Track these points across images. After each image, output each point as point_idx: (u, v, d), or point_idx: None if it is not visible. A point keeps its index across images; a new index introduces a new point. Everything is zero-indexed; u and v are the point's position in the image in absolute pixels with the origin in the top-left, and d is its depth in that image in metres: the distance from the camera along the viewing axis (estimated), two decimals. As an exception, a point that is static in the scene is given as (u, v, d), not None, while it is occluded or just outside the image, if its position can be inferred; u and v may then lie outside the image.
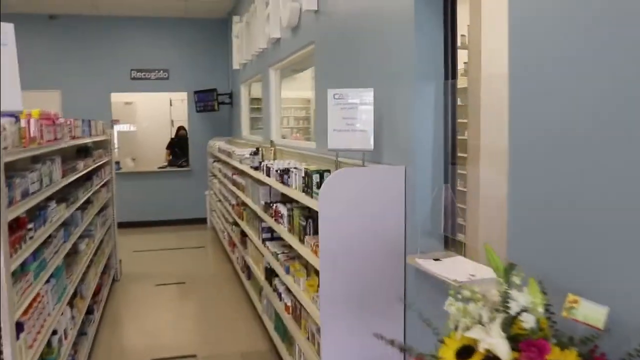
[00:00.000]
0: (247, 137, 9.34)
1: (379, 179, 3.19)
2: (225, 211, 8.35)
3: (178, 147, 11.77)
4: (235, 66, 9.56)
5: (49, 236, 3.64)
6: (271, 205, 4.62)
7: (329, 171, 3.38)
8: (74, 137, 4.70)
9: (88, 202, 5.47)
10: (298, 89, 14.02)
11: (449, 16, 3.08)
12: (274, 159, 5.20)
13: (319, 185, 3.28)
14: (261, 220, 5.13)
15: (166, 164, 11.63)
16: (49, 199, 3.72)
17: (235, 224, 7.17)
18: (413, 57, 3.06)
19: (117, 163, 10.99)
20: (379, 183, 3.18)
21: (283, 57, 6.17)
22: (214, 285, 7.05)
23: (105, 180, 6.72)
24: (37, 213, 3.45)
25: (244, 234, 6.42)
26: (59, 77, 10.48)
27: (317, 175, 3.31)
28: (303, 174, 3.54)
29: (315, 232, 3.37)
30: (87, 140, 5.40)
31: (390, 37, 3.33)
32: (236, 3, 9.69)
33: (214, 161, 10.11)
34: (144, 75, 11.05)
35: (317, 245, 3.16)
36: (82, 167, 5.05)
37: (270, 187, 5.06)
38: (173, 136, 12.57)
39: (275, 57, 6.54)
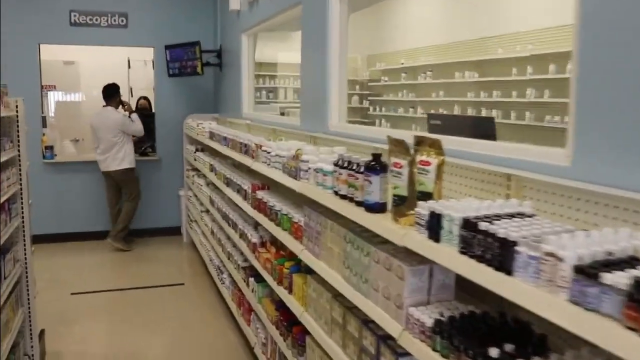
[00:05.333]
0: (250, 116, 5.99)
1: None
2: (224, 237, 5.04)
3: (139, 125, 8.27)
4: (234, 5, 6.16)
5: None
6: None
7: None
8: None
9: None
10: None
11: None
12: (436, 189, 1.91)
13: None
14: (395, 351, 1.89)
15: (122, 149, 8.11)
16: None
17: (254, 272, 3.89)
18: None
19: (50, 148, 7.48)
20: None
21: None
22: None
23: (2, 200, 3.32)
24: None
25: (290, 320, 3.14)
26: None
27: None
28: None
29: None
30: None
31: None
32: None
33: (197, 150, 6.74)
34: (90, 20, 7.48)
35: None
36: None
37: (429, 267, 1.83)
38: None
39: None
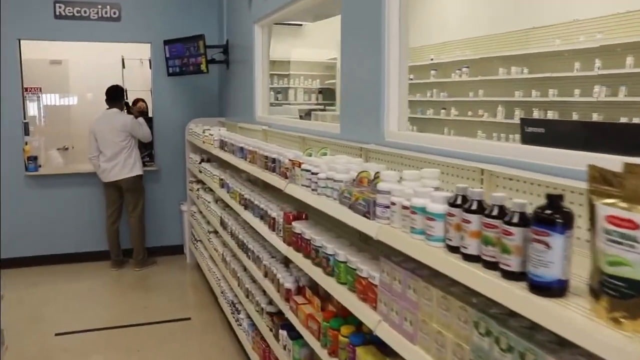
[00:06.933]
0: (265, 120, 5.10)
1: None
2: (240, 268, 4.13)
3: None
4: (245, -8, 5.27)
5: None
6: None
7: None
8: None
9: None
10: (315, 46, 9.66)
11: None
12: None
13: None
14: None
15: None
16: None
17: (285, 322, 2.99)
18: None
19: (34, 159, 6.56)
20: None
21: None
22: None
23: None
24: None
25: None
26: None
27: None
28: None
29: None
30: None
31: None
32: None
33: (203, 160, 5.85)
34: (78, 12, 6.56)
35: None
36: None
37: None
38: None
39: None
